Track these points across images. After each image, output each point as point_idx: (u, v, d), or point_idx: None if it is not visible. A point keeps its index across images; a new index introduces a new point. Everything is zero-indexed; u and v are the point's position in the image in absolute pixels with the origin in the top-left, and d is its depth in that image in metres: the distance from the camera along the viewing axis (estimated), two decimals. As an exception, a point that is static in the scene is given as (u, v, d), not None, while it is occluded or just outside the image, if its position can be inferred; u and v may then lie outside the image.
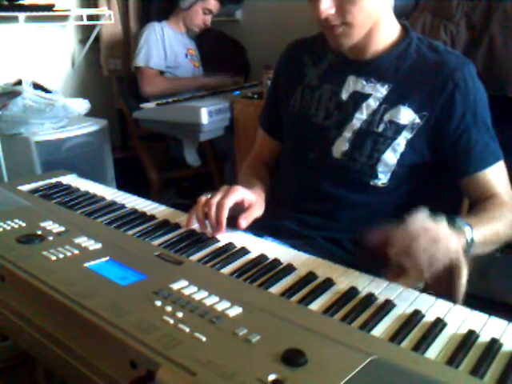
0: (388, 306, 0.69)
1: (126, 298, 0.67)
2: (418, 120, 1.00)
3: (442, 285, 0.72)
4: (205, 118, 2.18)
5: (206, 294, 0.68)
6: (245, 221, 0.93)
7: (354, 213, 1.06)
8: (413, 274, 0.71)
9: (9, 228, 0.89)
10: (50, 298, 0.68)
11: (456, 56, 1.03)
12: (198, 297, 0.67)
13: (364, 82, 1.05)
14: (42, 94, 2.22)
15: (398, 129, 1.01)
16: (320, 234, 1.07)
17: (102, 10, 2.89)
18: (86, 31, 2.99)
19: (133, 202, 1.08)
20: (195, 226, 0.94)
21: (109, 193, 1.14)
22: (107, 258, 0.79)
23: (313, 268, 0.79)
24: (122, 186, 1.73)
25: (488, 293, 1.88)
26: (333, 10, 0.94)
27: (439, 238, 0.70)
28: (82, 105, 2.26)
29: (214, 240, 0.90)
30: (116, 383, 0.59)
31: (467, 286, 0.71)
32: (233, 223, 0.93)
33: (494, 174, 1.00)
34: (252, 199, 0.98)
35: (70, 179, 1.24)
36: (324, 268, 0.80)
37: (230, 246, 0.88)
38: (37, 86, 2.37)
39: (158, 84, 2.63)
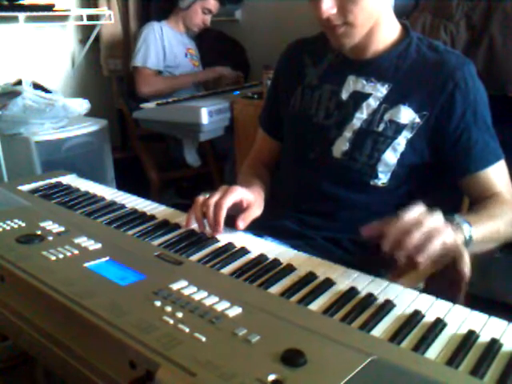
0: (388, 306, 0.69)
1: (126, 298, 0.67)
2: (418, 119, 1.00)
3: (443, 280, 0.72)
4: (205, 118, 2.18)
5: (205, 294, 0.68)
6: (243, 222, 0.93)
7: (354, 213, 1.06)
8: (406, 267, 0.71)
9: (9, 228, 0.89)
10: (49, 298, 0.68)
11: (456, 56, 1.03)
12: (197, 297, 0.67)
13: (364, 82, 1.05)
14: (42, 94, 2.22)
15: (398, 128, 1.01)
16: (320, 234, 1.06)
17: (102, 10, 2.89)
18: (86, 31, 2.99)
19: (133, 202, 1.08)
20: (194, 226, 0.94)
21: (109, 193, 1.14)
22: (107, 258, 0.79)
23: (313, 268, 0.79)
24: (122, 186, 1.73)
25: (488, 293, 1.88)
26: (334, 10, 0.94)
27: (434, 229, 0.70)
28: (82, 105, 2.26)
29: (214, 240, 0.90)
30: (115, 383, 0.59)
31: (467, 286, 0.71)
32: (232, 223, 0.93)
33: (494, 173, 1.00)
34: (251, 199, 0.97)
35: (70, 179, 1.24)
36: (324, 268, 0.80)
37: (229, 246, 0.88)
38: (37, 86, 2.37)
39: (155, 84, 2.63)
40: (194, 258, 0.83)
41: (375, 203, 1.05)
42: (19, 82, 2.37)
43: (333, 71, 1.10)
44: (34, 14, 2.51)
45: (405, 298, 0.71)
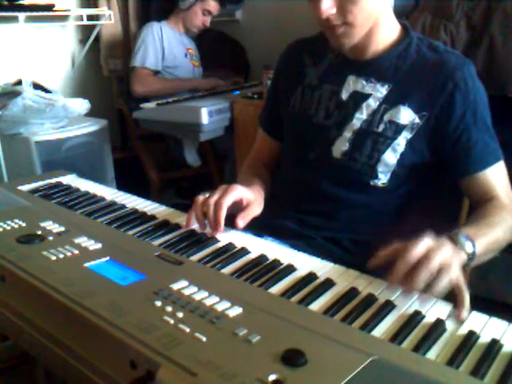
0: (388, 306, 0.69)
1: (126, 298, 0.67)
2: (417, 120, 1.00)
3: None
4: (205, 118, 2.18)
5: (206, 294, 0.68)
6: (242, 220, 0.93)
7: (354, 213, 1.06)
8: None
9: (9, 228, 0.89)
10: (49, 298, 0.68)
11: (456, 56, 1.03)
12: (198, 297, 0.67)
13: (364, 82, 1.05)
14: (42, 94, 2.22)
15: (398, 129, 1.01)
16: (320, 234, 1.06)
17: (102, 10, 2.89)
18: (86, 31, 2.99)
19: (133, 202, 1.08)
20: (195, 226, 0.94)
21: (109, 193, 1.14)
22: (107, 258, 0.79)
23: (313, 268, 0.79)
24: (122, 186, 1.73)
25: (488, 293, 1.88)
26: (334, 10, 0.94)
27: (442, 265, 0.70)
28: (82, 105, 2.26)
29: (214, 240, 0.90)
30: (116, 383, 0.59)
31: (467, 287, 0.71)
32: (232, 222, 0.93)
33: (494, 174, 1.00)
34: (250, 198, 0.98)
35: (70, 179, 1.24)
36: (324, 268, 0.80)
37: (230, 246, 0.88)
38: (37, 86, 2.37)
39: (150, 84, 2.63)
40: (195, 258, 0.83)
41: (375, 203, 1.05)
42: (19, 82, 2.37)
43: (333, 71, 1.10)
44: (34, 14, 2.51)
45: (405, 298, 0.71)
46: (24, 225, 0.90)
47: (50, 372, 1.05)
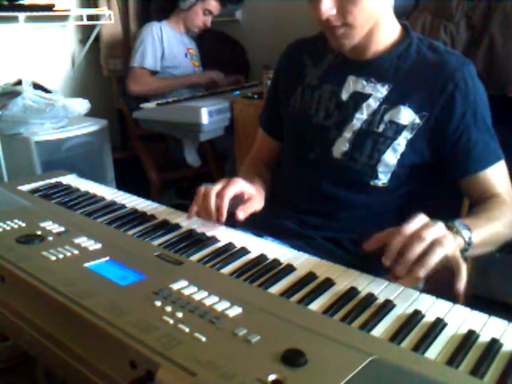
0: (388, 306, 0.69)
1: (126, 298, 0.67)
2: (418, 120, 1.00)
3: (441, 286, 0.72)
4: (205, 118, 2.18)
5: (205, 294, 0.68)
6: (243, 212, 0.94)
7: (354, 213, 1.06)
8: (407, 276, 0.71)
9: (9, 228, 0.89)
10: (49, 298, 0.68)
11: (456, 56, 1.03)
12: (197, 297, 0.67)
13: (364, 82, 1.05)
14: (42, 94, 2.22)
15: (399, 129, 1.01)
16: (320, 233, 1.07)
17: (102, 10, 2.89)
18: (86, 31, 2.99)
19: (133, 202, 1.08)
20: (194, 226, 0.94)
21: (109, 193, 1.14)
22: (107, 258, 0.79)
23: (313, 268, 0.79)
24: (122, 186, 1.73)
25: (488, 293, 1.88)
26: (334, 11, 0.94)
27: (435, 242, 0.71)
28: (82, 105, 2.26)
29: (214, 240, 0.90)
30: (116, 383, 0.59)
31: (467, 286, 0.71)
32: (232, 219, 0.93)
33: (494, 174, 1.00)
34: (252, 192, 0.98)
35: (70, 179, 1.24)
36: (324, 268, 0.80)
37: (229, 246, 0.88)
38: (37, 86, 2.37)
39: (146, 83, 2.63)
40: (194, 258, 0.83)
41: (375, 203, 1.05)
42: (19, 82, 2.37)
43: (333, 71, 1.10)
44: (34, 14, 2.51)
45: (405, 298, 0.71)
46: (24, 225, 0.90)
47: (50, 372, 1.05)
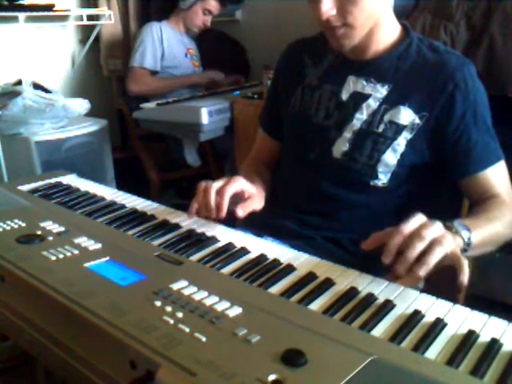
0: (388, 306, 0.69)
1: (126, 298, 0.67)
2: (417, 120, 1.00)
3: (441, 285, 0.72)
4: (205, 118, 2.18)
5: (205, 294, 0.68)
6: (242, 210, 0.94)
7: (354, 213, 1.06)
8: (407, 275, 0.71)
9: (9, 228, 0.89)
10: (49, 298, 0.68)
11: (456, 56, 1.03)
12: (197, 297, 0.67)
13: (364, 83, 1.05)
14: (42, 94, 2.22)
15: (398, 129, 1.01)
16: (320, 233, 1.07)
17: (102, 10, 2.89)
18: (86, 31, 2.99)
19: (133, 202, 1.08)
20: (194, 226, 0.94)
21: (109, 193, 1.14)
22: (107, 257, 0.79)
23: (313, 268, 0.79)
24: (122, 186, 1.73)
25: (488, 293, 1.88)
26: (334, 12, 0.94)
27: (434, 241, 0.71)
28: (82, 105, 2.26)
29: (214, 240, 0.90)
30: (116, 383, 0.59)
31: (467, 286, 0.71)
32: (231, 217, 0.93)
33: (494, 174, 1.00)
34: (252, 191, 0.98)
35: (70, 179, 1.24)
36: (324, 268, 0.80)
37: (229, 246, 0.88)
38: (37, 86, 2.37)
39: (146, 83, 2.63)
40: (194, 258, 0.83)
41: (375, 203, 1.05)
42: (19, 82, 2.37)
43: (333, 71, 1.10)
44: (34, 14, 2.51)
45: (405, 298, 0.71)
46: (24, 225, 0.90)
47: (50, 372, 1.05)
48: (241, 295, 0.68)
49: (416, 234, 0.71)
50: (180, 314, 0.63)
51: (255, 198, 0.99)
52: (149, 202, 1.08)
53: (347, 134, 1.05)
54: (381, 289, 0.73)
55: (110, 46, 3.04)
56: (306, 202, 1.10)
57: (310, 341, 0.59)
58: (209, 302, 0.66)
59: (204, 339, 0.58)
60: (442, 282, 0.74)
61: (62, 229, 0.89)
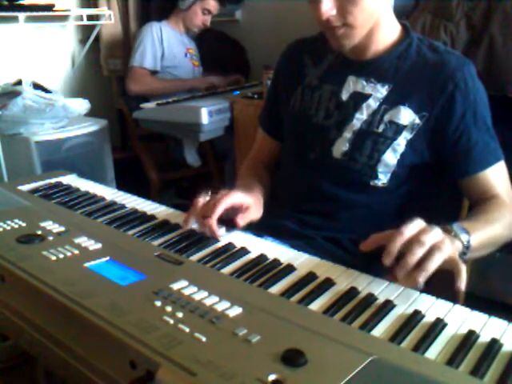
0: (388, 306, 0.69)
1: (126, 298, 0.67)
2: (417, 120, 1.00)
3: (440, 287, 0.72)
4: (205, 118, 2.18)
5: (205, 294, 0.68)
6: (241, 220, 0.93)
7: (354, 213, 1.06)
8: (405, 278, 0.72)
9: (9, 228, 0.89)
10: (49, 298, 0.68)
11: (456, 56, 1.03)
12: (197, 297, 0.67)
13: (364, 83, 1.05)
14: (42, 94, 2.22)
15: (398, 129, 1.01)
16: (320, 233, 1.07)
17: (102, 10, 2.90)
18: (86, 31, 2.99)
19: (133, 202, 1.08)
20: (194, 226, 0.94)
21: (109, 193, 1.14)
22: (107, 257, 0.79)
23: (313, 268, 0.79)
24: (122, 186, 1.73)
25: (488, 293, 1.88)
26: (334, 12, 0.94)
27: (434, 247, 0.71)
28: (82, 105, 2.26)
29: (214, 240, 0.90)
30: (116, 383, 0.59)
31: (467, 286, 0.71)
32: (231, 225, 0.93)
33: (494, 175, 1.00)
34: (250, 203, 0.98)
35: (70, 179, 1.24)
36: (324, 268, 0.80)
37: (229, 246, 0.88)
38: (37, 86, 2.38)
39: (146, 83, 2.63)
40: (195, 257, 0.83)
41: (375, 203, 1.05)
42: (19, 82, 2.37)
43: (333, 71, 1.10)
44: (34, 14, 2.51)
45: (405, 298, 0.71)
46: (24, 225, 0.90)
47: (50, 372, 1.05)
48: (241, 295, 0.68)
49: (415, 240, 0.71)
50: (180, 314, 0.63)
51: (253, 210, 0.99)
52: (149, 202, 1.08)
53: (347, 134, 1.05)
54: (381, 289, 0.73)
55: (109, 45, 3.04)
56: (306, 202, 1.10)
57: (310, 341, 0.59)
58: (209, 301, 0.66)
59: (204, 339, 0.58)
60: (440, 285, 0.74)
61: (62, 229, 0.89)
